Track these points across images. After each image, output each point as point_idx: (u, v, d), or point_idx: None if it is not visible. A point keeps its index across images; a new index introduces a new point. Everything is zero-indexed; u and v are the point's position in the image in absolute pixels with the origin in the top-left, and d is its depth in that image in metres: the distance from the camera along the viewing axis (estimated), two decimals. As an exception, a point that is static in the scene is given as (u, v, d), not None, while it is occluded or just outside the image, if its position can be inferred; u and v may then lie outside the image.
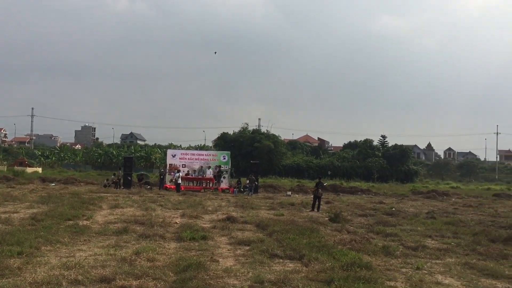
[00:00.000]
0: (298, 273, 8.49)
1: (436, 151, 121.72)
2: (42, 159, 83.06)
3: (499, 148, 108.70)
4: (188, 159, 37.51)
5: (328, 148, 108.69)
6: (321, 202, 23.09)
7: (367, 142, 79.56)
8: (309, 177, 58.36)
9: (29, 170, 53.91)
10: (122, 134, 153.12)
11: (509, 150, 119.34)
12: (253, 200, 26.47)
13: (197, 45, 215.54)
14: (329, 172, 56.48)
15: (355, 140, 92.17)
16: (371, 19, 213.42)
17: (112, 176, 36.04)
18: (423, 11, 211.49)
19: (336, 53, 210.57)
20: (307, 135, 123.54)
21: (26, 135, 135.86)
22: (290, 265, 9.36)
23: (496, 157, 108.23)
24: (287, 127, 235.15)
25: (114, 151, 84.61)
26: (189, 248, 10.75)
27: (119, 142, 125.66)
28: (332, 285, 7.52)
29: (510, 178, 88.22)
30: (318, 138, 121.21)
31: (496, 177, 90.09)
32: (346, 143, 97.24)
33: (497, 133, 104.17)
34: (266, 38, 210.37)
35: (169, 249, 10.68)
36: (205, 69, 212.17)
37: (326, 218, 18.08)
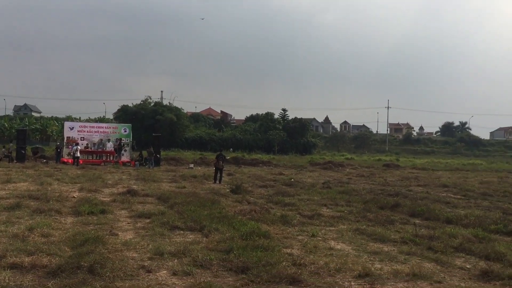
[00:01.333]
0: (198, 244, 8.54)
1: (333, 124, 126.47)
2: None
3: (390, 122, 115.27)
4: (87, 131, 36.15)
5: (231, 121, 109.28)
6: (223, 174, 23.28)
7: (269, 115, 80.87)
8: (212, 150, 58.44)
9: None
10: (15, 106, 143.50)
11: (398, 123, 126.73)
12: (155, 173, 26.15)
13: (98, 14, 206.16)
14: (231, 149, 56.75)
15: (257, 113, 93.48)
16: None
17: (3, 149, 33.85)
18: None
19: (239, 26, 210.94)
20: (210, 108, 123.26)
21: None
22: (190, 236, 9.38)
23: (387, 130, 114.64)
24: (190, 100, 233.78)
25: (6, 124, 79.39)
26: (87, 223, 10.43)
27: (11, 114, 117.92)
28: (231, 254, 7.63)
29: (399, 150, 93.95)
30: (221, 111, 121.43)
31: (387, 148, 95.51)
32: (248, 116, 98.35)
33: (388, 107, 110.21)
34: (169, 9, 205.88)
35: (66, 224, 10.30)
36: (106, 39, 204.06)
37: (228, 190, 18.26)
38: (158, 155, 34.55)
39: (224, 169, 23.77)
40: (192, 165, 34.66)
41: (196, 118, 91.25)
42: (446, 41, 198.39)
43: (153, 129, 56.19)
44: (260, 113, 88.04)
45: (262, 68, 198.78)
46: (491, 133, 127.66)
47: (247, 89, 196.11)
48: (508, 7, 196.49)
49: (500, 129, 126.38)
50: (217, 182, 22.10)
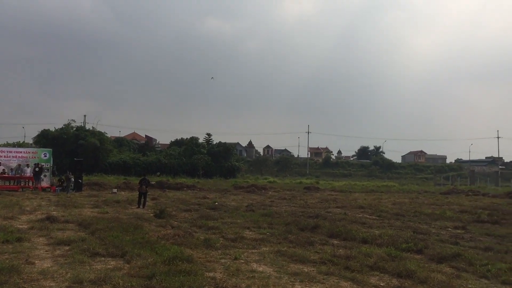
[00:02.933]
0: (119, 270, 8.26)
1: (256, 148, 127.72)
2: None
3: (310, 146, 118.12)
4: (4, 156, 34.18)
5: (156, 146, 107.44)
6: (147, 199, 22.80)
7: (193, 140, 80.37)
8: (136, 174, 57.03)
9: None
10: None
11: (318, 147, 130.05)
12: (76, 199, 25.14)
13: (16, 35, 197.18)
14: (158, 173, 55.56)
15: (181, 138, 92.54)
16: (199, 20, 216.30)
17: None
18: (246, 16, 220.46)
19: (165, 52, 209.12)
20: (134, 133, 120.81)
21: None
22: (112, 263, 9.06)
23: (307, 154, 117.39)
24: (114, 124, 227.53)
25: None
26: (1, 252, 9.80)
27: None
28: (153, 280, 7.45)
29: (319, 173, 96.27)
30: (146, 135, 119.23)
31: (307, 171, 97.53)
32: (173, 140, 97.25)
33: (308, 132, 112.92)
34: (94, 33, 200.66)
35: (-22, 254, 9.63)
36: (25, 61, 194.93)
37: (151, 214, 17.89)
38: (80, 180, 33.28)
39: (148, 193, 23.29)
40: (115, 190, 33.64)
41: (120, 142, 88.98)
42: (361, 70, 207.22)
43: (76, 153, 54.24)
44: (185, 138, 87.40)
45: (187, 93, 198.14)
46: (403, 157, 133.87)
47: (172, 114, 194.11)
48: (415, 40, 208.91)
49: (410, 153, 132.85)
50: (141, 206, 21.60)
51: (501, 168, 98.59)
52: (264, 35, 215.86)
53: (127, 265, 8.75)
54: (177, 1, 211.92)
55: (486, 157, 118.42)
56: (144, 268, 8.30)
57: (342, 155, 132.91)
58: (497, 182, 79.63)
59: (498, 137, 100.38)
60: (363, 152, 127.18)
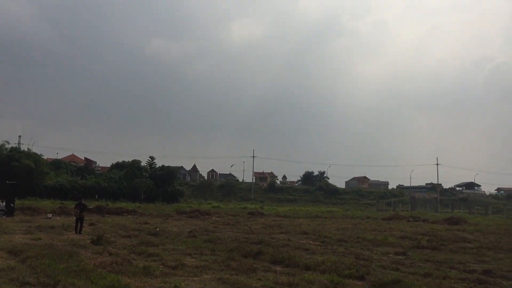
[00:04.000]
0: (51, 301, 7.91)
1: (200, 172, 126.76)
2: None
3: (255, 170, 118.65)
4: None
5: (95, 168, 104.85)
6: (84, 224, 22.10)
7: (135, 163, 79.00)
8: (74, 198, 55.36)
9: None
10: None
11: (263, 172, 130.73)
12: (7, 224, 24.03)
13: None
14: (96, 196, 53.91)
15: (123, 161, 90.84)
16: (146, 40, 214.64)
17: None
18: (193, 38, 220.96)
19: (105, 71, 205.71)
20: (73, 155, 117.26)
21: None
22: (43, 293, 8.67)
23: (252, 179, 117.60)
24: (51, 146, 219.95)
25: None
26: None
27: None
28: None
29: (263, 197, 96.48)
30: (85, 158, 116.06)
31: (252, 196, 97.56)
32: (114, 163, 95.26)
33: (253, 156, 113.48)
34: (33, 50, 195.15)
35: None
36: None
37: (88, 241, 17.35)
38: (12, 204, 31.88)
39: (85, 218, 22.60)
40: (50, 215, 32.41)
41: (57, 165, 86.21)
42: (308, 95, 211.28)
43: (9, 176, 51.93)
44: (127, 161, 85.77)
45: (131, 115, 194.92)
46: (346, 182, 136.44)
47: (114, 136, 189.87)
48: (361, 67, 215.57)
49: (354, 178, 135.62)
50: (77, 232, 20.91)
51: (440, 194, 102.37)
52: (212, 58, 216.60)
53: (59, 295, 8.40)
54: (122, 21, 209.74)
55: (426, 184, 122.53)
56: (77, 299, 7.99)
57: (287, 180, 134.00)
58: (436, 208, 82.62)
59: (437, 164, 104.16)
60: (307, 177, 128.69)
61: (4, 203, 31.66)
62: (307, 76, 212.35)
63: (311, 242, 20.36)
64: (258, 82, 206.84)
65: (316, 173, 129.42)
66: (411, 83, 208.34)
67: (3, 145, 65.79)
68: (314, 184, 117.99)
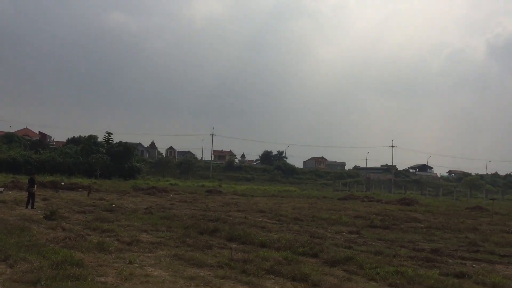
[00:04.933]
0: (1, 275, 7.76)
1: (159, 149, 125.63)
2: None
3: (214, 149, 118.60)
4: None
5: (50, 143, 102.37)
6: (36, 199, 21.65)
7: (92, 138, 77.64)
8: (27, 173, 53.76)
9: None
10: None
11: (222, 150, 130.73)
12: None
13: None
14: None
15: (79, 136, 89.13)
16: (105, 14, 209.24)
17: None
18: (153, 14, 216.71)
19: (65, 44, 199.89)
20: (26, 128, 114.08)
21: None
22: (-8, 267, 8.48)
23: (211, 157, 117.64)
24: (4, 119, 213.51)
25: None
26: None
27: None
28: (38, 285, 7.09)
29: (222, 176, 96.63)
30: (39, 131, 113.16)
31: (210, 175, 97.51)
32: (70, 138, 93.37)
33: (212, 134, 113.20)
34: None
35: None
36: None
37: (41, 216, 17.02)
38: (-38, 178, 30.92)
39: (38, 193, 22.12)
40: (2, 189, 31.55)
41: (10, 138, 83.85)
42: (268, 76, 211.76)
43: (-42, 148, 50.32)
44: (83, 136, 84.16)
45: (88, 89, 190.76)
46: (304, 162, 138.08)
47: (70, 110, 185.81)
48: (321, 49, 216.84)
49: (311, 158, 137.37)
50: (29, 207, 20.47)
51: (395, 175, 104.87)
52: (171, 34, 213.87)
53: (10, 270, 8.25)
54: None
55: (381, 165, 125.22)
56: (28, 273, 7.87)
57: (246, 159, 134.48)
58: (390, 189, 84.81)
59: (392, 146, 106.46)
60: (266, 156, 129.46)
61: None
62: (267, 57, 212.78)
63: (267, 220, 20.59)
64: (218, 61, 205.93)
65: (274, 152, 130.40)
66: (369, 66, 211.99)
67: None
68: (272, 164, 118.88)
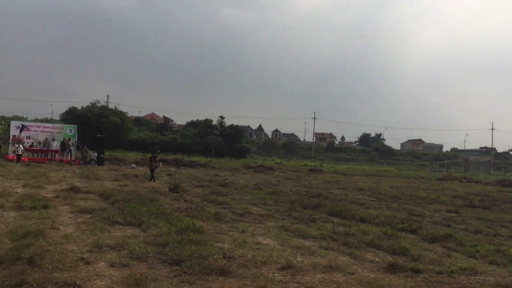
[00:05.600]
0: (136, 238, 8.36)
1: (265, 131, 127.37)
2: None
3: (315, 131, 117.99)
4: (33, 131, 34.63)
5: (172, 126, 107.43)
6: (162, 174, 22.95)
7: (207, 122, 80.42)
8: (153, 152, 57.42)
9: None
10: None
11: (323, 133, 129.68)
12: (98, 172, 25.35)
13: (47, 19, 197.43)
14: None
15: (197, 119, 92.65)
16: (216, 10, 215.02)
17: None
18: (261, 7, 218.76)
19: (182, 38, 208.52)
20: (153, 113, 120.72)
21: None
22: (129, 231, 9.15)
23: (313, 138, 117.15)
24: (134, 105, 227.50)
25: (-49, 121, 74.36)
26: (29, 217, 9.95)
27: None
28: (166, 247, 7.52)
29: (323, 156, 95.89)
30: (164, 116, 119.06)
31: (312, 155, 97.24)
32: (188, 122, 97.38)
33: (314, 118, 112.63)
34: (118, 19, 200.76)
35: (8, 218, 9.77)
36: (55, 44, 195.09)
37: (167, 189, 18.01)
38: (102, 155, 33.56)
39: (164, 169, 23.42)
40: (134, 165, 33.85)
41: (139, 122, 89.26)
42: (368, 61, 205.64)
43: (99, 131, 54.31)
44: (200, 120, 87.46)
45: (203, 78, 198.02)
46: (402, 144, 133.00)
47: (189, 97, 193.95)
48: (420, 35, 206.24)
49: (409, 141, 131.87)
50: (152, 181, 21.79)
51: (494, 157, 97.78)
52: (277, 24, 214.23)
53: (143, 234, 8.85)
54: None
55: (480, 147, 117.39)
56: (158, 237, 8.38)
57: (345, 140, 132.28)
58: (489, 170, 79.16)
59: (492, 129, 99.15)
60: (365, 138, 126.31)
61: (96, 154, 33.38)
62: (367, 43, 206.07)
63: (367, 197, 20.17)
64: (321, 47, 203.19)
65: (373, 135, 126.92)
66: (468, 49, 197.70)
67: (95, 104, 68.77)
68: (371, 145, 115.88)
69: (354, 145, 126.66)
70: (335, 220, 12.31)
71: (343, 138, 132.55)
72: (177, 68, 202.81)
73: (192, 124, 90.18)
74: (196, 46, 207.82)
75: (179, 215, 11.00)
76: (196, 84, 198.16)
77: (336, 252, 8.36)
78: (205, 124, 78.93)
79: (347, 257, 8.03)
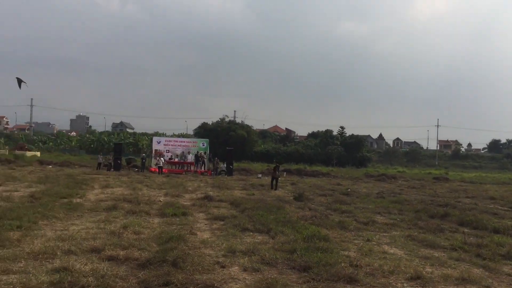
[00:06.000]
0: (265, 244, 8.53)
1: (386, 140, 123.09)
2: (41, 144, 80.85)
3: (439, 138, 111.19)
4: (172, 145, 37.33)
5: (295, 137, 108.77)
6: (286, 184, 23.21)
7: (328, 132, 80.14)
8: (277, 162, 58.55)
9: (29, 153, 52.35)
10: (113, 123, 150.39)
11: (447, 140, 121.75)
12: (228, 182, 26.45)
13: (181, 44, 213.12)
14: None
15: (318, 130, 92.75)
16: (335, 24, 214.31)
17: (103, 159, 35.54)
18: (379, 18, 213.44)
19: (304, 53, 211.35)
20: (276, 126, 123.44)
21: (26, 123, 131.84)
22: (259, 237, 9.38)
23: (436, 146, 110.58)
24: (259, 119, 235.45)
25: (105, 138, 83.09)
26: (171, 223, 10.68)
27: (110, 130, 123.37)
28: (294, 254, 7.57)
29: (448, 164, 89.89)
30: (286, 128, 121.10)
31: (436, 163, 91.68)
32: (310, 132, 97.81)
33: (437, 125, 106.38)
34: (243, 39, 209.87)
35: (153, 223, 10.59)
36: (188, 65, 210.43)
37: (291, 197, 18.18)
38: (231, 166, 35.03)
39: (288, 179, 23.71)
40: (260, 175, 34.79)
41: (264, 134, 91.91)
42: (493, 66, 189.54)
43: (227, 143, 57.00)
44: (321, 130, 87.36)
45: (323, 91, 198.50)
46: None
47: (309, 109, 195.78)
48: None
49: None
50: (274, 189, 22.16)
51: None
52: (397, 34, 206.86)
53: (272, 240, 9.00)
54: (314, 6, 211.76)
55: None
56: (286, 244, 8.48)
57: (472, 147, 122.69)
58: None
59: None
60: (494, 145, 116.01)
61: (225, 165, 34.98)
62: (491, 46, 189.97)
63: (499, 207, 18.40)
64: (442, 54, 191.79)
65: (503, 141, 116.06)
66: None
67: (223, 119, 72.42)
68: (501, 152, 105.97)
69: (482, 152, 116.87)
70: (465, 230, 11.41)
71: (469, 145, 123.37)
72: (298, 82, 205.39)
73: (313, 135, 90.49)
74: (317, 59, 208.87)
75: (304, 223, 11.01)
76: (316, 97, 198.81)
77: (468, 264, 7.75)
78: (326, 135, 78.74)
79: (480, 270, 7.40)
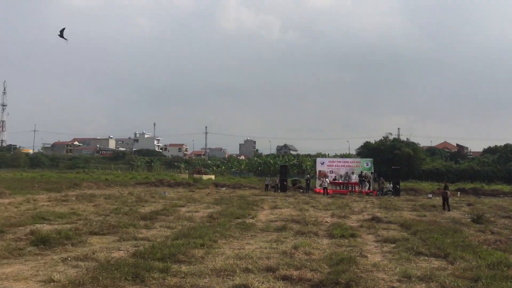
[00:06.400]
0: (444, 270, 7.93)
1: None
2: (215, 168, 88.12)
3: None
4: (335, 166, 37.33)
5: (467, 154, 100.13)
6: (462, 204, 21.36)
7: (508, 147, 71.94)
8: (449, 181, 54.34)
9: (205, 177, 57.40)
10: (278, 146, 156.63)
11: None
12: (396, 202, 25.38)
13: (341, 65, 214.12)
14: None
15: (495, 145, 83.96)
16: (508, 27, 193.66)
17: (271, 181, 37.15)
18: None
19: (472, 63, 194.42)
20: (445, 142, 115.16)
21: (201, 149, 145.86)
22: (435, 262, 8.77)
23: None
24: (425, 135, 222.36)
25: (271, 160, 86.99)
26: (340, 244, 10.61)
27: (275, 153, 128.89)
28: (479, 283, 6.88)
29: None
30: (457, 144, 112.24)
31: None
32: (485, 148, 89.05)
33: None
34: (404, 53, 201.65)
35: (322, 244, 10.64)
36: (349, 85, 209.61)
37: (468, 219, 16.65)
38: (398, 186, 33.59)
39: (463, 199, 21.83)
40: (430, 195, 32.61)
41: (431, 151, 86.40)
42: None
43: (392, 162, 54.84)
44: (499, 145, 78.84)
45: (496, 100, 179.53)
46: None
47: (482, 123, 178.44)
48: None
49: None
50: (446, 210, 20.50)
51: None
52: None
53: (451, 266, 8.33)
54: (481, 11, 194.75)
55: None
56: (468, 270, 7.76)
57: None
58: None
59: None
60: None
61: (391, 185, 33.66)
62: None
63: None
64: None
65: None
66: None
67: (387, 137, 70.19)
68: None
69: None
70: None
71: None
72: (468, 95, 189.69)
73: (489, 151, 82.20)
74: (486, 71, 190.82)
75: (487, 248, 9.98)
76: (490, 108, 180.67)
77: None
78: (506, 149, 70.75)
79: None
